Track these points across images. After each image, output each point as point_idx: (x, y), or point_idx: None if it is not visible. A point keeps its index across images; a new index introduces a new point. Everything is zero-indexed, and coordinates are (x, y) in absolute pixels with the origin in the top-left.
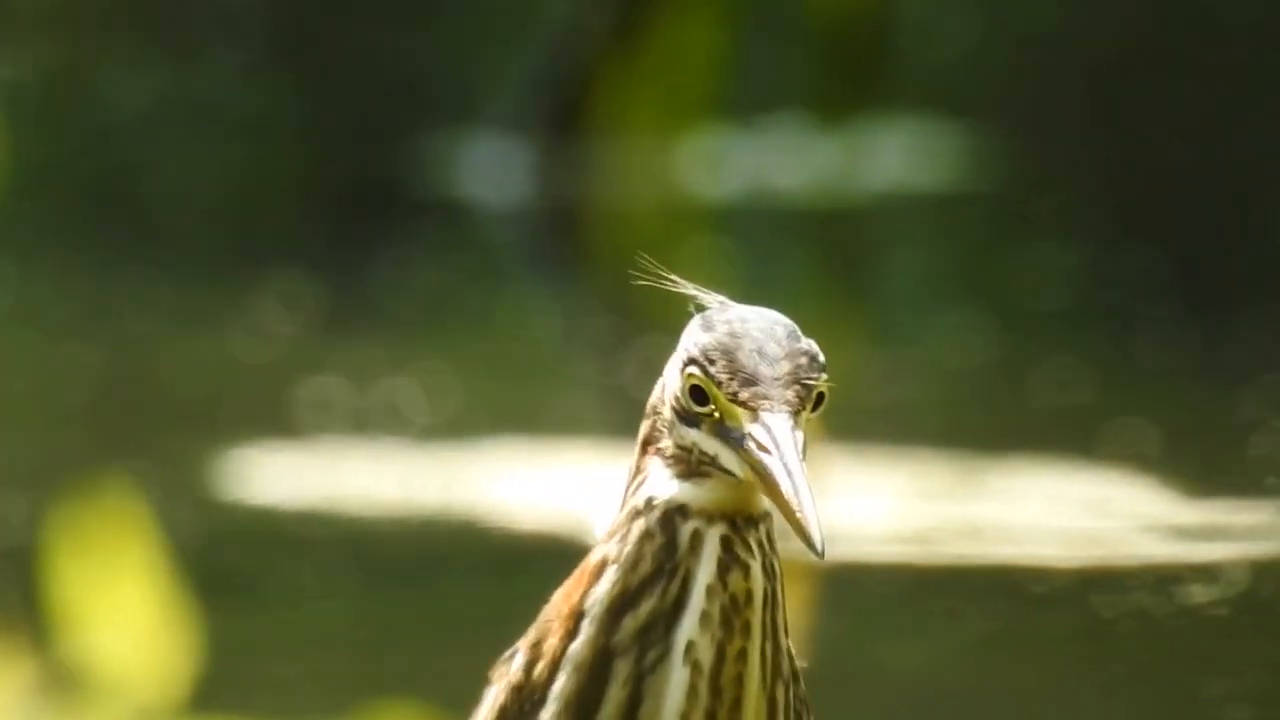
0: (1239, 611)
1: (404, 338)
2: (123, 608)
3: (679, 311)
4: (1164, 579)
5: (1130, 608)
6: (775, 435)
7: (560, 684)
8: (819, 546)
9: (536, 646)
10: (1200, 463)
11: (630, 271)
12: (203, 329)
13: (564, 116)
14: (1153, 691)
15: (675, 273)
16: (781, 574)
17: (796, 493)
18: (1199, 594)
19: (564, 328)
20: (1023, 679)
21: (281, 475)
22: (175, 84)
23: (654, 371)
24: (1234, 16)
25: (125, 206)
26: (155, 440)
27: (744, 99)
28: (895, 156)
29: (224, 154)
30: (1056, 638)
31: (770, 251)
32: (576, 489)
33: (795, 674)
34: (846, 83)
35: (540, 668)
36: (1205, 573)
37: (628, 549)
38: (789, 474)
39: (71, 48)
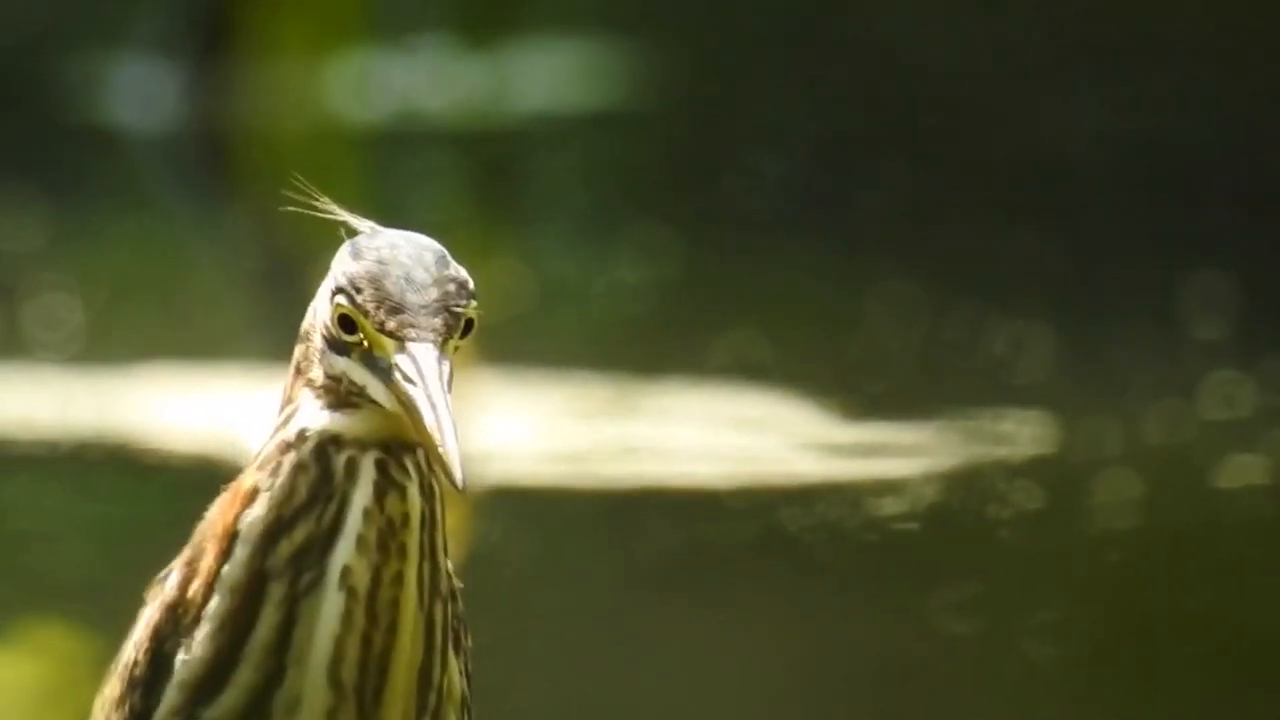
0: (896, 522)
1: (54, 263)
2: None
3: (332, 236)
4: (818, 495)
5: (789, 523)
6: (420, 366)
7: (215, 604)
8: (459, 479)
9: (191, 565)
10: (858, 386)
11: (281, 196)
12: None
13: (212, 38)
14: (812, 603)
15: (326, 196)
16: (440, 494)
17: (439, 425)
18: (861, 508)
19: (215, 253)
20: (694, 596)
21: None
22: None
23: (307, 297)
24: None
25: None
26: None
27: (391, 20)
28: (544, 77)
29: None
30: (717, 554)
31: (420, 174)
32: (229, 411)
33: (453, 593)
34: (493, 2)
35: (195, 587)
36: (859, 489)
37: (280, 480)
38: (432, 406)
39: None
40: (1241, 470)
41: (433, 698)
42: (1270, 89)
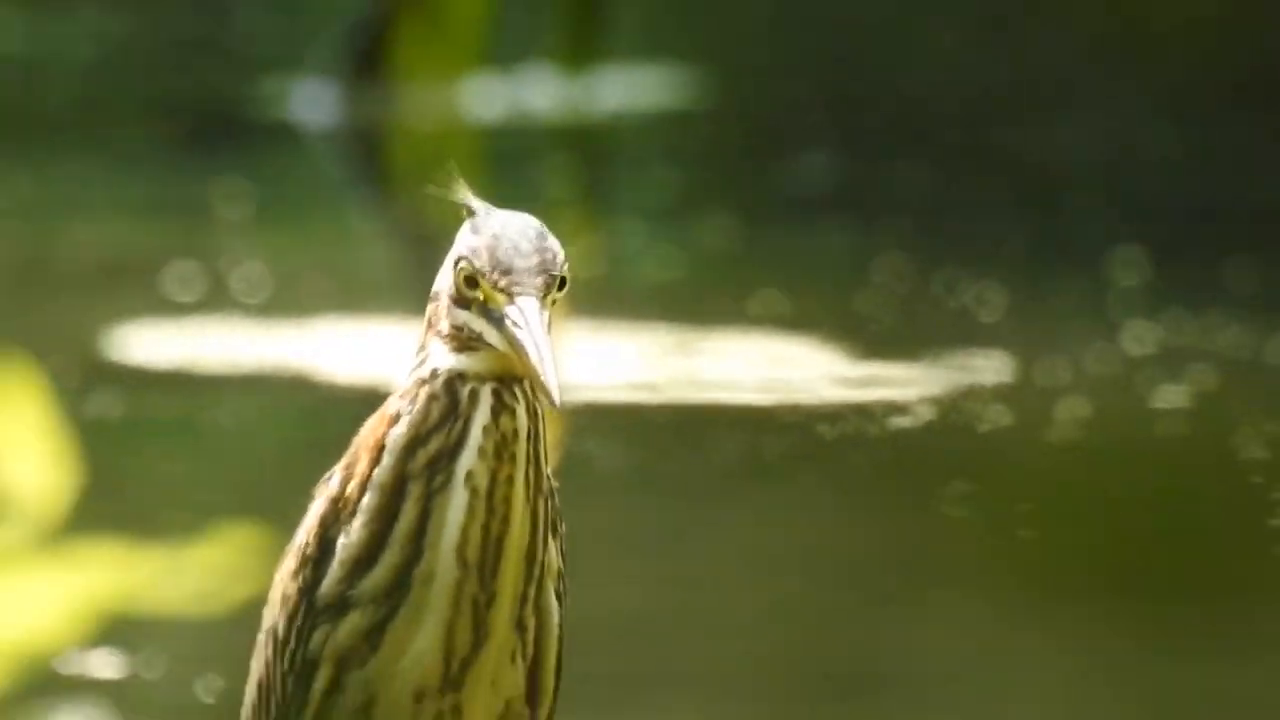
0: (899, 435)
1: (251, 233)
2: (18, 449)
3: (456, 217)
4: (838, 415)
5: (816, 435)
6: (526, 315)
7: (367, 500)
8: (556, 401)
9: (349, 470)
10: (865, 332)
11: (420, 184)
12: (90, 217)
13: (369, 62)
14: (835, 497)
15: (455, 184)
16: (541, 414)
17: (541, 360)
18: (872, 425)
19: (371, 227)
20: (742, 492)
21: (153, 340)
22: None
23: (438, 265)
24: None
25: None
26: (48, 311)
27: (506, 48)
28: (624, 89)
29: (118, 87)
30: (760, 459)
31: (527, 165)
32: (381, 352)
33: (552, 491)
34: (584, 34)
35: (352, 486)
36: (869, 410)
37: (418, 406)
38: (535, 346)
39: None
40: (1162, 393)
41: (536, 570)
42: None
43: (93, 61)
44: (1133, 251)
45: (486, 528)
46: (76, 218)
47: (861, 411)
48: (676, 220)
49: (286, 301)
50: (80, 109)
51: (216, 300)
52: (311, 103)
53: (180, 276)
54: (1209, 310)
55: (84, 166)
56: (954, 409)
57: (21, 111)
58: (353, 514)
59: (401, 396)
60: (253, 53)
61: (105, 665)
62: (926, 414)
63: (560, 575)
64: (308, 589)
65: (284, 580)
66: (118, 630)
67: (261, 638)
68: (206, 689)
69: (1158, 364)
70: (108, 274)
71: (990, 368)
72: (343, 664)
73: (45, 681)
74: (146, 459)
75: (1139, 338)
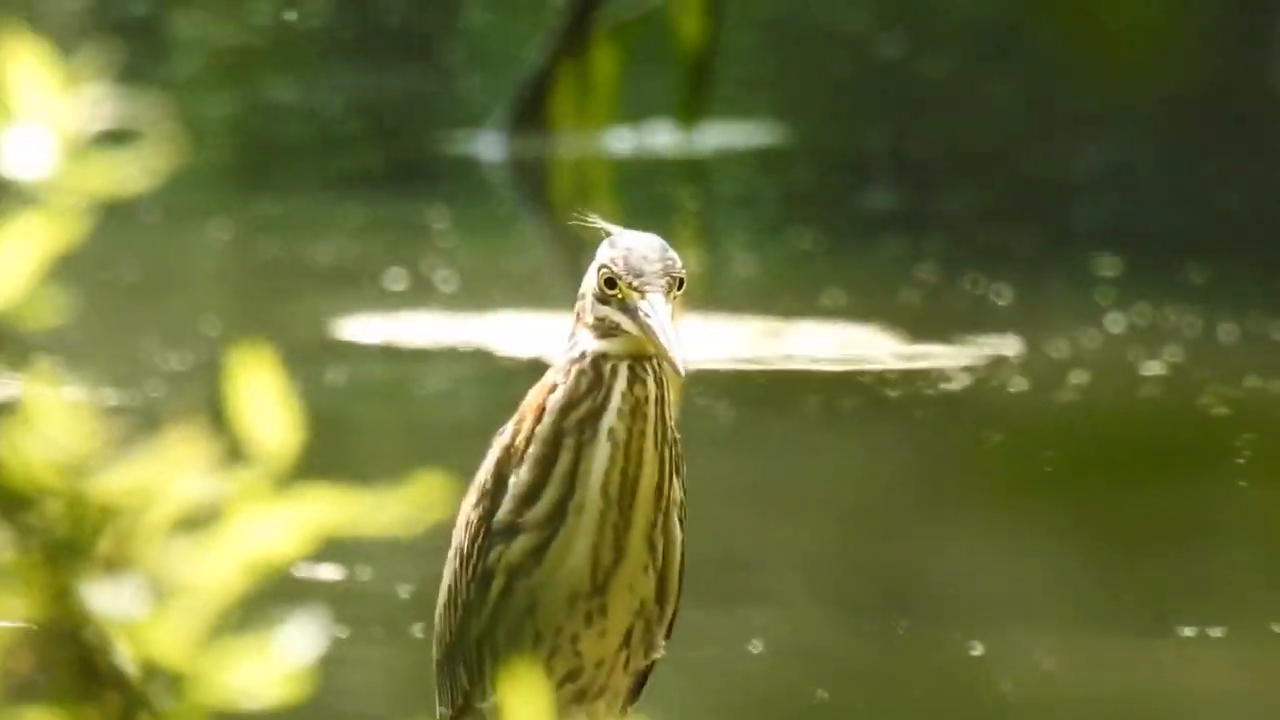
0: (942, 396)
1: (445, 242)
2: (259, 411)
3: (597, 235)
4: (895, 380)
5: (880, 394)
6: (654, 308)
7: (532, 450)
8: (681, 370)
9: (518, 425)
10: (912, 319)
11: (573, 210)
12: (321, 232)
13: (533, 112)
14: (896, 438)
15: (594, 212)
16: (666, 382)
17: (667, 340)
18: (919, 387)
19: (535, 239)
20: (823, 437)
21: (370, 326)
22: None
23: (584, 272)
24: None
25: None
26: (289, 305)
27: (634, 105)
28: (723, 135)
29: (351, 130)
30: (838, 413)
31: (653, 195)
32: (542, 337)
33: (675, 440)
34: (691, 93)
35: (520, 438)
36: (917, 375)
37: (570, 379)
38: (662, 330)
39: None
40: (1141, 365)
41: (663, 503)
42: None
43: (337, 110)
44: (1113, 253)
45: (624, 471)
46: (311, 232)
47: (913, 378)
48: (768, 235)
49: (473, 296)
50: (319, 147)
51: (420, 295)
52: (493, 144)
53: (393, 276)
54: (1174, 300)
55: (319, 191)
56: (983, 376)
57: (273, 147)
58: (521, 460)
59: (558, 371)
60: (459, 104)
61: (328, 574)
62: (963, 380)
63: (681, 506)
64: (486, 517)
65: (468, 510)
66: (337, 549)
67: (450, 554)
68: (406, 592)
69: (1136, 342)
70: (336, 275)
71: (1007, 345)
72: (513, 574)
73: (282, 587)
74: (363, 418)
75: (1119, 322)
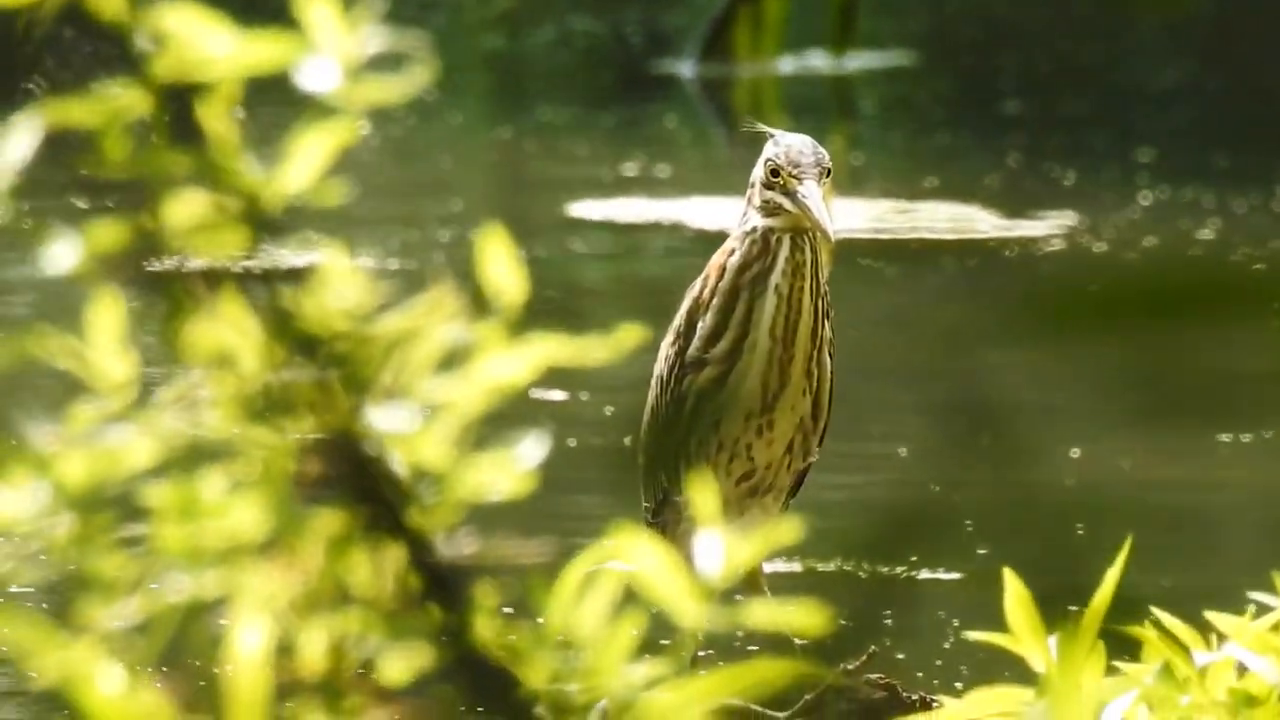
0: (1041, 255)
1: (656, 142)
2: (497, 273)
3: (764, 137)
4: (997, 246)
5: (986, 254)
6: (809, 191)
7: (715, 301)
8: (831, 235)
9: (704, 281)
10: (1006, 197)
11: (746, 120)
12: (557, 136)
13: (718, 42)
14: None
15: (763, 119)
16: (818, 249)
17: (819, 216)
18: (1019, 251)
19: (722, 141)
20: (949, 284)
21: (598, 206)
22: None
23: (754, 165)
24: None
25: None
26: (530, 192)
27: (795, 36)
28: (864, 59)
29: (576, 61)
30: (960, 273)
31: (813, 105)
32: (725, 214)
33: (826, 293)
34: (840, 28)
35: (705, 292)
36: (1017, 242)
37: (744, 246)
38: (816, 208)
39: None
40: (1190, 232)
41: (817, 341)
42: None
43: (580, 45)
44: (1148, 147)
45: (787, 317)
46: (564, 134)
47: (1008, 243)
48: (900, 132)
49: (678, 182)
50: (568, 72)
51: (640, 183)
52: (690, 68)
53: (615, 168)
54: (1198, 182)
55: (567, 106)
56: (1062, 240)
57: (533, 74)
58: (707, 309)
59: (735, 240)
60: (666, 38)
61: (553, 395)
62: (1049, 245)
63: (830, 343)
64: (680, 352)
65: (666, 348)
66: (560, 376)
67: (652, 382)
68: (614, 409)
69: (1173, 215)
70: (567, 165)
71: (1069, 218)
72: (701, 397)
73: (516, 407)
74: (587, 280)
75: (1164, 199)
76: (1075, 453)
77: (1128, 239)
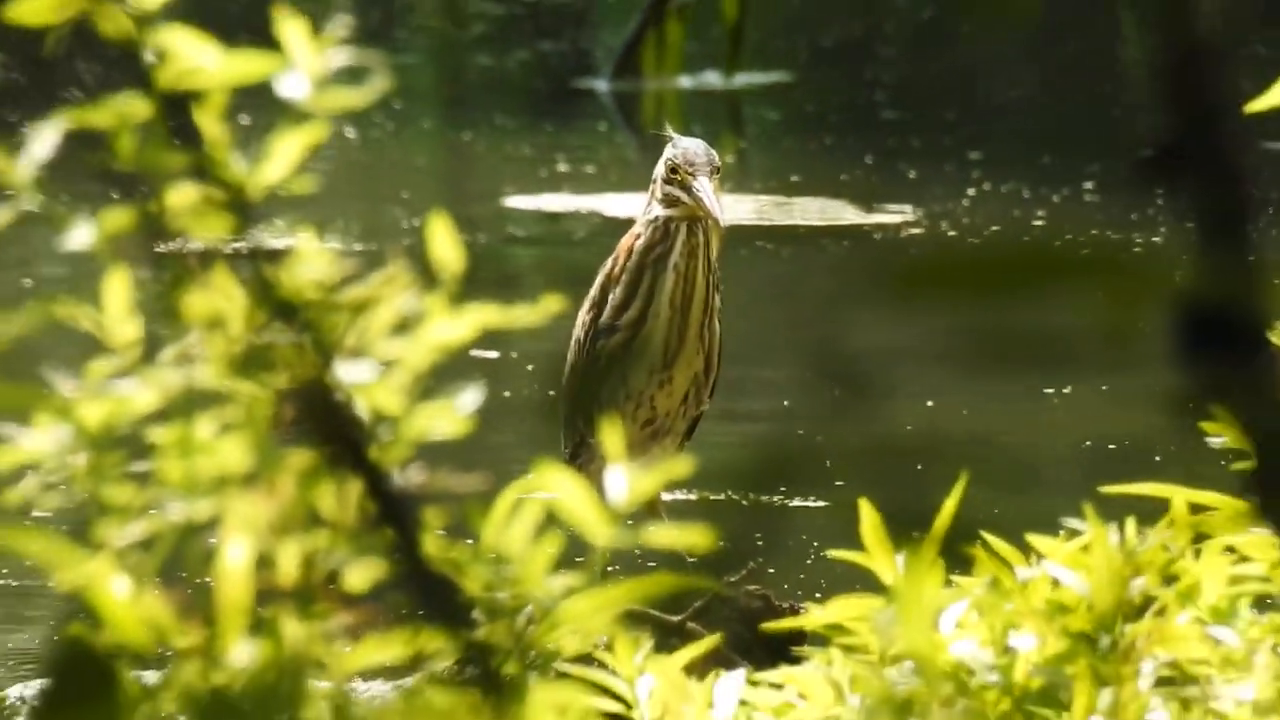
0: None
1: (573, 143)
2: (445, 252)
3: (664, 140)
4: (867, 232)
5: (861, 240)
6: (702, 185)
7: (625, 277)
8: (722, 223)
9: (615, 260)
10: (870, 187)
11: (652, 127)
12: (492, 140)
13: (629, 60)
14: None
15: (665, 126)
16: (710, 235)
17: (711, 206)
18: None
19: (628, 142)
20: (823, 271)
21: (532, 201)
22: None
23: (656, 163)
24: None
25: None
26: (469, 190)
27: (693, 52)
28: (748, 77)
29: (503, 69)
30: (839, 254)
31: (707, 112)
32: (632, 206)
33: (716, 271)
34: (730, 51)
35: (615, 269)
36: (888, 228)
37: (647, 233)
38: (708, 199)
39: None
40: (1024, 220)
41: (708, 310)
42: None
43: (514, 62)
44: (980, 147)
45: (684, 290)
46: (498, 135)
47: (873, 229)
48: (780, 135)
49: (597, 179)
50: (503, 85)
51: (567, 178)
52: (605, 83)
53: (549, 166)
54: (1026, 177)
55: (503, 113)
56: (916, 226)
57: (474, 85)
58: (617, 283)
59: (640, 226)
60: (589, 57)
61: (489, 354)
62: (906, 230)
63: (719, 312)
64: (595, 319)
65: (583, 314)
66: (495, 338)
67: (571, 343)
68: (538, 366)
69: (1008, 206)
70: (510, 164)
71: (908, 211)
72: (612, 356)
73: (457, 363)
74: (519, 259)
75: (991, 191)
76: (929, 403)
77: (971, 226)
